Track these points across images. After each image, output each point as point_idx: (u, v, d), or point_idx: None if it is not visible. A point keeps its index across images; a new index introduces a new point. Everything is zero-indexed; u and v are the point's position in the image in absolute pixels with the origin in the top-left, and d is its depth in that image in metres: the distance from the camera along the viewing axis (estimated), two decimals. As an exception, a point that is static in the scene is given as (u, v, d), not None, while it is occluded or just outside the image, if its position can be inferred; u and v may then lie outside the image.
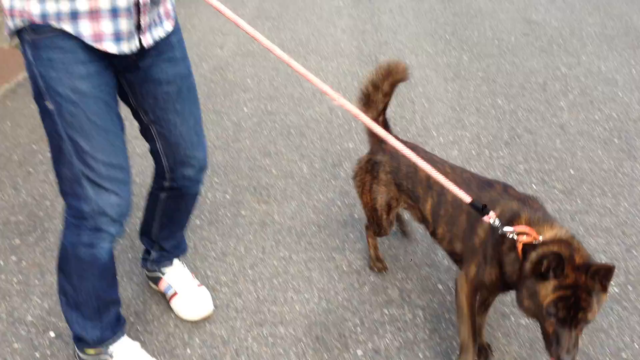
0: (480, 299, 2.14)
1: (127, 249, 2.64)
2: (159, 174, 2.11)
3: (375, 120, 2.28)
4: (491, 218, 1.85)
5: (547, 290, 1.67)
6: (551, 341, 1.69)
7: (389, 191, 2.32)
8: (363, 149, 3.42)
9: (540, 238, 1.78)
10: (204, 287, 2.38)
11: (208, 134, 3.58)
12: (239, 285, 2.50)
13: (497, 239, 1.89)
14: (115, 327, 2.00)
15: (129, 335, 2.14)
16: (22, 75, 4.08)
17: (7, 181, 3.01)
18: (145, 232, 2.32)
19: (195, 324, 2.30)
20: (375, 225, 2.45)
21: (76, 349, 2.02)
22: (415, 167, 2.20)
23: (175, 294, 2.34)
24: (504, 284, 1.92)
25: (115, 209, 1.72)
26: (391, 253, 2.69)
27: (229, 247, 2.71)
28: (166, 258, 2.36)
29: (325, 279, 2.55)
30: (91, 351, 1.98)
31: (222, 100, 4.01)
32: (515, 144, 3.53)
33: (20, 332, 2.22)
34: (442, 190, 2.11)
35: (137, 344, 2.08)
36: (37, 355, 2.14)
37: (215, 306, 2.37)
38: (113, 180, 1.70)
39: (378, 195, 2.35)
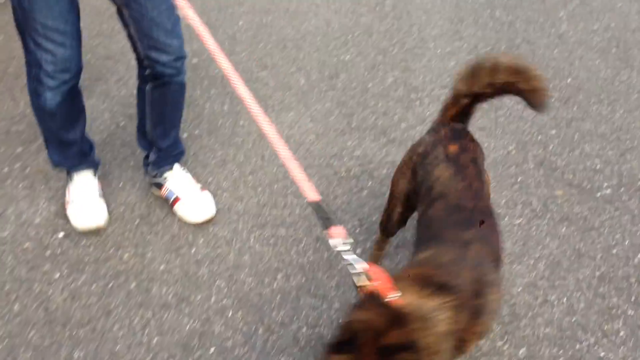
0: None
1: (128, 157, 2.68)
2: (139, 63, 2.17)
3: (463, 97, 1.79)
4: (335, 238, 1.43)
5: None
6: None
7: (411, 181, 1.82)
8: (359, 60, 3.42)
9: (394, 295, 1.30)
10: (207, 191, 2.44)
11: (203, 48, 3.55)
12: (239, 191, 2.55)
13: None
14: (77, 161, 2.33)
15: (136, 234, 2.21)
16: None
17: (6, 93, 3.01)
18: (141, 134, 2.38)
19: (199, 226, 2.36)
20: (385, 216, 2.01)
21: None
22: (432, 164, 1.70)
23: (177, 199, 2.39)
24: None
25: (50, 66, 1.95)
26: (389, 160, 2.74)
27: (228, 155, 2.75)
28: (165, 161, 2.40)
29: (324, 184, 2.60)
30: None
31: (217, 14, 3.94)
32: (513, 54, 3.52)
33: (29, 233, 2.28)
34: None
35: (89, 176, 2.38)
36: (48, 253, 2.21)
37: (218, 210, 2.43)
38: (49, 40, 1.89)
39: (401, 179, 1.88)
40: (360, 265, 1.37)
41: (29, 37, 1.90)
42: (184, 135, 2.83)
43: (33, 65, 1.97)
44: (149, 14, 1.94)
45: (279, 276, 2.20)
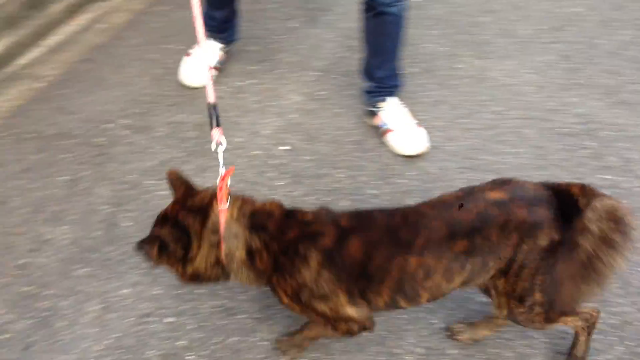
0: None
1: (347, 87, 2.81)
2: None
3: None
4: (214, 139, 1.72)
5: None
6: None
7: None
8: (590, 15, 3.23)
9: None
10: (422, 128, 2.51)
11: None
12: (451, 132, 2.59)
13: None
14: (211, 29, 2.65)
15: (350, 157, 2.36)
16: None
17: (244, 14, 3.27)
18: (363, 66, 2.54)
19: (409, 159, 2.45)
20: None
21: None
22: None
23: (389, 130, 2.49)
24: None
25: None
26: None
27: (443, 95, 2.78)
28: (380, 92, 2.52)
29: (540, 137, 2.55)
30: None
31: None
32: None
33: (259, 142, 2.52)
34: None
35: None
36: (273, 162, 2.43)
37: (430, 146, 2.49)
38: None
39: None
40: (222, 169, 1.62)
41: None
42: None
43: None
44: None
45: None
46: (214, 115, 1.73)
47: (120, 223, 2.16)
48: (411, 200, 2.26)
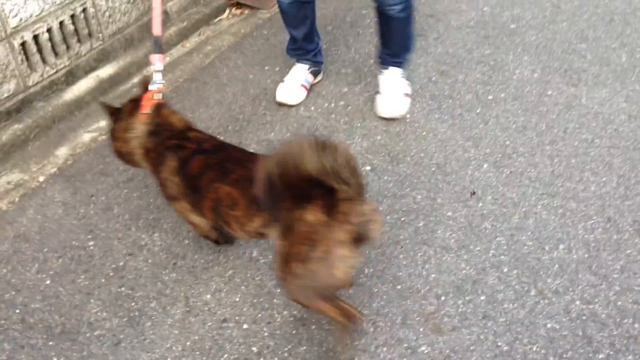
0: None
1: (434, 110, 2.88)
2: None
3: None
4: (153, 64, 2.07)
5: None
6: None
7: None
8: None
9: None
10: (408, 99, 2.90)
11: (524, 13, 3.57)
12: (535, 158, 2.60)
13: None
14: (298, 54, 2.99)
15: (430, 179, 2.42)
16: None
17: (340, 39, 3.43)
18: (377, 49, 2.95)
19: (489, 186, 2.48)
20: None
21: None
22: None
23: (378, 93, 2.91)
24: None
25: None
26: None
27: (530, 122, 2.79)
28: (383, 61, 2.90)
29: (629, 167, 2.50)
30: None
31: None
32: None
33: (343, 161, 2.65)
34: None
35: (304, 68, 3.01)
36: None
37: (510, 172, 2.52)
38: None
39: None
40: (156, 84, 2.04)
41: None
42: (489, 97, 2.94)
43: None
44: None
45: (561, 247, 2.22)
46: (157, 44, 2.09)
47: (209, 231, 2.35)
48: (487, 224, 2.31)
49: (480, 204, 2.40)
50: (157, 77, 2.05)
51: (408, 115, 2.86)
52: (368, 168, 2.60)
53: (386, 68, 2.90)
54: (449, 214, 2.38)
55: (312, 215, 1.58)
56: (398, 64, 2.89)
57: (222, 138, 2.74)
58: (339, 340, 1.94)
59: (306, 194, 1.57)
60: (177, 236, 2.33)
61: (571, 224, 2.30)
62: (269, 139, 2.77)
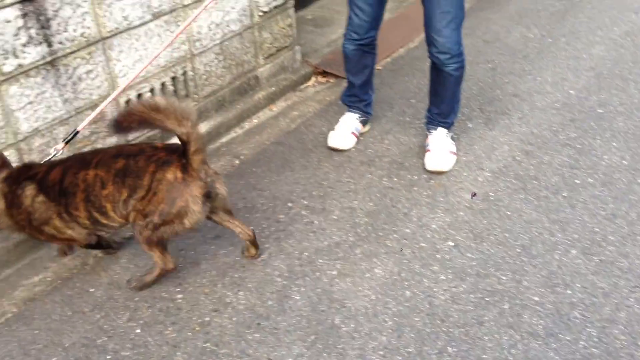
0: None
1: (519, 190, 2.86)
2: None
3: None
4: None
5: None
6: None
7: None
8: None
9: None
10: (454, 156, 3.07)
11: (611, 98, 3.54)
12: (626, 248, 2.52)
13: None
14: (351, 101, 3.24)
15: (516, 261, 2.38)
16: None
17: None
18: (428, 104, 3.14)
19: (577, 273, 2.42)
20: None
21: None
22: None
23: (428, 150, 3.07)
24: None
25: (349, 25, 2.97)
26: None
27: (620, 210, 2.73)
28: (432, 121, 3.10)
29: None
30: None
31: (631, 66, 3.88)
32: None
33: (426, 235, 2.64)
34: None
35: (354, 116, 3.24)
36: (438, 256, 2.52)
37: (601, 260, 2.45)
38: (353, 9, 2.91)
39: None
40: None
41: (351, 11, 2.94)
42: (576, 181, 2.90)
43: (346, 31, 3.01)
44: (428, 10, 2.77)
45: (656, 344, 2.13)
46: (71, 135, 2.36)
47: (292, 295, 2.36)
48: (577, 313, 2.24)
49: (569, 291, 2.34)
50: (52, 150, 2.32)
51: (492, 194, 2.85)
52: (451, 244, 2.58)
53: (435, 128, 3.10)
54: (536, 298, 2.32)
55: (172, 174, 2.10)
56: (445, 125, 3.09)
57: (306, 203, 2.82)
58: (150, 280, 2.35)
59: (167, 160, 2.11)
60: (260, 296, 2.35)
61: (667, 320, 2.21)
62: (352, 206, 2.80)
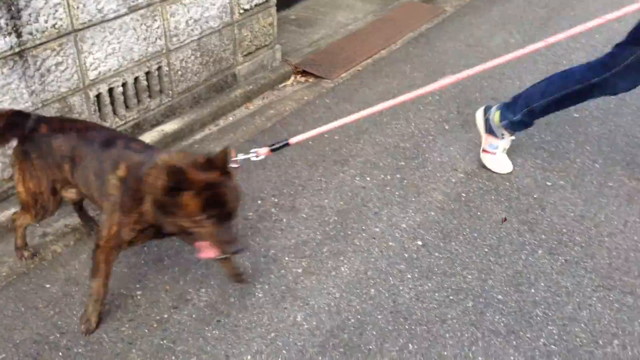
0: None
1: (491, 191, 2.87)
2: None
3: None
4: None
5: (189, 201, 1.75)
6: (216, 243, 1.82)
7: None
8: None
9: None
10: (509, 161, 3.03)
11: (588, 104, 3.54)
12: (592, 249, 2.53)
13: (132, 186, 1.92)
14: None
15: (482, 260, 2.38)
16: (425, 26, 4.60)
17: (401, 113, 3.48)
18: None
19: (541, 270, 2.42)
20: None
21: None
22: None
23: (493, 152, 3.02)
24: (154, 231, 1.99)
25: None
26: None
27: (589, 212, 2.73)
28: (507, 126, 2.97)
29: (691, 267, 2.40)
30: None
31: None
32: None
33: (395, 234, 2.63)
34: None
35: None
36: (406, 255, 2.52)
37: (566, 260, 2.45)
38: None
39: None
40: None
41: None
42: (547, 183, 2.91)
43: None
44: None
45: (615, 342, 2.13)
46: (280, 144, 2.31)
47: (255, 293, 2.35)
48: (539, 311, 2.24)
49: (533, 290, 2.34)
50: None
51: (464, 195, 2.85)
52: (420, 243, 2.58)
53: (512, 134, 3.05)
54: (500, 297, 2.32)
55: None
56: (513, 129, 3.04)
57: (276, 200, 2.81)
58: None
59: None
60: (222, 293, 2.34)
61: (627, 319, 2.21)
62: (322, 205, 2.79)
